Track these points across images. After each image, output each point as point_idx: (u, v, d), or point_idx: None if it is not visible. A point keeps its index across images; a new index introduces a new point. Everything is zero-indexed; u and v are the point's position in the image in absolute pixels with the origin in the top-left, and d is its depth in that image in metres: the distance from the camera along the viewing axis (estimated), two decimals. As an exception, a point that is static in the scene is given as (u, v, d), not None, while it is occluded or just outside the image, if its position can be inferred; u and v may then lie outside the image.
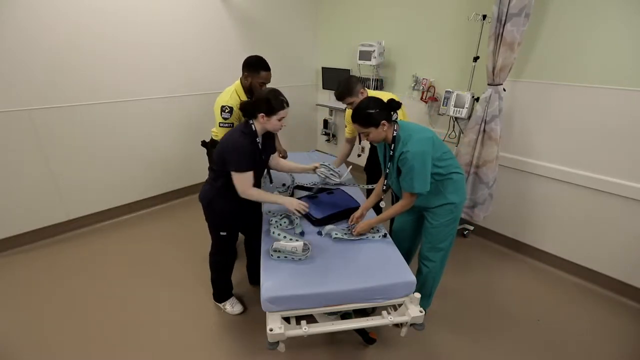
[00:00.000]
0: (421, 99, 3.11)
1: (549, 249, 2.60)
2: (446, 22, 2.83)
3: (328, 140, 4.49)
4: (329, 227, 1.89)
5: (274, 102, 1.62)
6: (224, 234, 1.90)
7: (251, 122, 1.71)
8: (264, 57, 2.11)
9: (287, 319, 1.54)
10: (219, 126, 2.10)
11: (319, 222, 1.93)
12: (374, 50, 3.18)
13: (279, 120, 1.66)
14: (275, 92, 1.66)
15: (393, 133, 1.65)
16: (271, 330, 1.41)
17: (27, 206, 2.64)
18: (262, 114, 1.64)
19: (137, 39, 2.81)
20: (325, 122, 4.39)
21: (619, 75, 2.03)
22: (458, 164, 1.78)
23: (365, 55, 3.26)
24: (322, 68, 4.01)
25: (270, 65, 2.14)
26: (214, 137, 2.35)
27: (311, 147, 4.61)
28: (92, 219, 3.00)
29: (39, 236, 2.75)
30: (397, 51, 3.31)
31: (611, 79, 2.06)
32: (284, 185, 2.35)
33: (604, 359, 1.87)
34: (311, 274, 1.55)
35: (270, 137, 1.89)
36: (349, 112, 2.51)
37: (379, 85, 3.47)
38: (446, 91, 2.70)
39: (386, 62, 3.40)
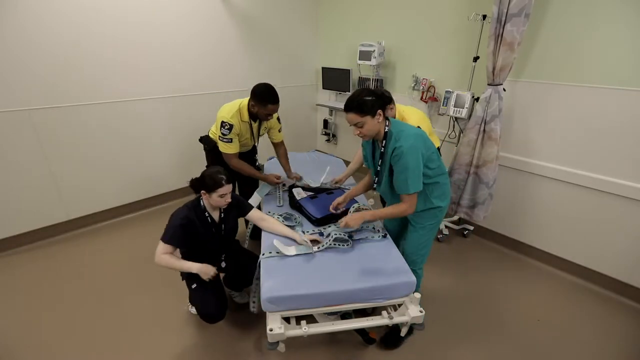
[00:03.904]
0: (421, 99, 3.11)
1: (549, 249, 2.60)
2: (446, 22, 2.83)
3: (328, 140, 4.49)
4: (329, 227, 1.90)
5: (210, 182, 1.64)
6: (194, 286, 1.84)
7: (200, 197, 1.76)
8: (273, 86, 2.06)
9: (287, 319, 1.54)
10: (218, 139, 2.15)
11: (318, 222, 1.94)
12: (374, 50, 3.18)
13: (220, 196, 1.67)
14: (215, 171, 1.67)
15: (385, 129, 1.58)
16: (271, 330, 1.41)
17: (27, 206, 2.64)
18: (204, 191, 1.68)
19: (137, 38, 2.81)
20: (325, 122, 4.39)
21: (619, 75, 2.02)
22: (444, 167, 1.72)
23: (365, 55, 3.26)
24: (322, 68, 4.01)
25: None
26: (211, 136, 2.38)
27: (311, 147, 4.61)
28: (92, 219, 3.00)
29: (39, 236, 2.75)
30: (397, 51, 3.31)
31: (611, 79, 2.05)
32: (283, 185, 2.35)
33: (604, 359, 1.87)
34: (311, 274, 1.55)
35: (235, 206, 1.86)
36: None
37: (379, 85, 3.46)
38: (446, 91, 2.70)
39: (386, 62, 3.40)
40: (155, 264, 1.68)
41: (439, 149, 2.50)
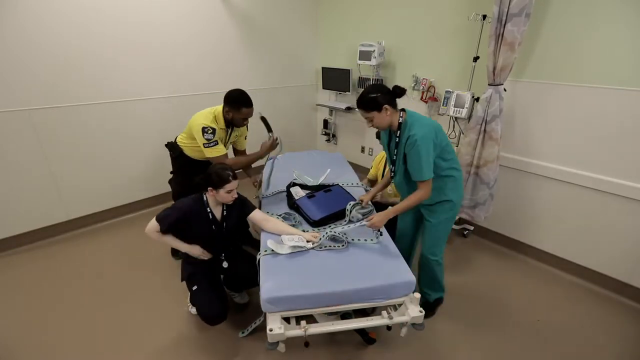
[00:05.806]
0: (421, 99, 3.11)
1: (549, 249, 2.60)
2: (446, 22, 2.83)
3: (328, 140, 4.49)
4: (328, 228, 1.90)
5: (217, 179, 1.69)
6: (195, 288, 1.84)
7: (204, 194, 1.81)
8: (245, 91, 2.06)
9: (287, 319, 1.54)
10: (204, 147, 2.07)
11: (316, 224, 1.93)
12: (374, 50, 3.18)
13: (227, 192, 1.71)
14: (220, 168, 1.72)
15: (399, 120, 1.66)
16: (271, 330, 1.41)
17: (27, 206, 2.64)
18: (211, 187, 1.72)
19: (137, 38, 2.81)
20: (325, 122, 4.39)
21: (620, 75, 2.02)
22: (458, 162, 1.80)
23: (365, 55, 3.26)
24: (322, 68, 4.01)
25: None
26: (178, 143, 2.30)
27: (311, 147, 4.61)
28: (92, 219, 3.00)
29: (39, 236, 2.75)
30: (397, 51, 3.31)
31: (612, 79, 2.05)
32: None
33: (604, 359, 1.87)
34: (311, 275, 1.55)
35: (238, 205, 1.86)
36: (380, 155, 2.49)
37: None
38: (446, 91, 2.70)
39: (386, 62, 3.40)
40: (145, 234, 1.78)
41: None
